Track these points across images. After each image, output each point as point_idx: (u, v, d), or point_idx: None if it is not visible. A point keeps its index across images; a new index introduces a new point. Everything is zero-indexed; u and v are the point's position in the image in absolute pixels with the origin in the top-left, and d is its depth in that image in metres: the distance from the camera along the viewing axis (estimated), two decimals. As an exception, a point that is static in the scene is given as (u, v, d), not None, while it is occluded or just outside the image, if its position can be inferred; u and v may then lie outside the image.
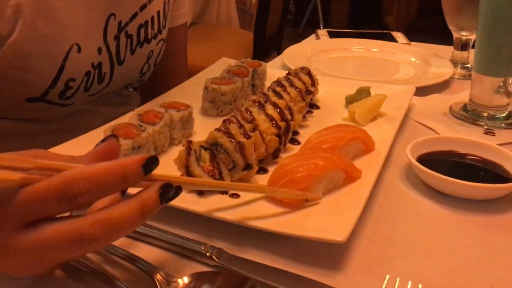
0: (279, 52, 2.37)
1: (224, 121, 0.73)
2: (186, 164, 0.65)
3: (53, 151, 0.50)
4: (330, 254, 0.57)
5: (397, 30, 1.58)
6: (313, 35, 1.55)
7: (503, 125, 0.92)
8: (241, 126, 0.71)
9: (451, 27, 1.16)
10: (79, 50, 0.82)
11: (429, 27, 3.73)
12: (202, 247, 0.56)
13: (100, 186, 0.42)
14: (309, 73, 0.95)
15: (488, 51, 0.90)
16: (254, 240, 0.58)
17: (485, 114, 0.93)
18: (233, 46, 2.47)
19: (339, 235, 0.54)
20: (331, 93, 0.99)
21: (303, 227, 0.58)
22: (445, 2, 1.14)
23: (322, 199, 0.64)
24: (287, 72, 0.96)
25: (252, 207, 0.62)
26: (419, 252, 0.58)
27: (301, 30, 4.93)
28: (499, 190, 0.68)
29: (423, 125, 0.92)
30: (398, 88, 0.99)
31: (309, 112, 0.92)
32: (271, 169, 0.70)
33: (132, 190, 0.46)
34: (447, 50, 1.25)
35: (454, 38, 1.18)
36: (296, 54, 1.26)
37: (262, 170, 0.72)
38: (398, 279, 0.53)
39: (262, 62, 1.03)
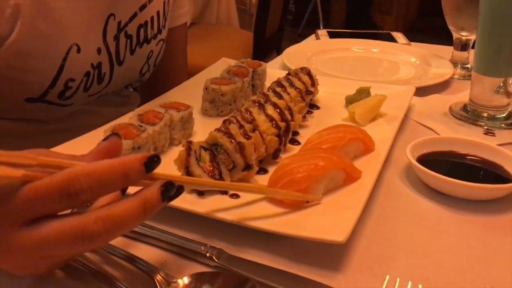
0: (279, 52, 2.37)
1: (224, 122, 0.73)
2: (186, 164, 0.65)
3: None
4: (330, 254, 0.57)
5: (397, 30, 1.58)
6: (313, 35, 1.55)
7: (503, 125, 0.92)
8: (241, 126, 0.71)
9: (451, 27, 1.16)
10: (78, 51, 0.82)
11: (429, 27, 3.73)
12: (202, 248, 0.56)
13: (102, 183, 0.42)
14: (309, 73, 0.95)
15: (488, 51, 0.90)
16: (254, 241, 0.58)
17: (485, 115, 0.93)
18: (233, 46, 2.47)
19: (339, 235, 0.54)
20: (331, 93, 0.99)
21: (303, 227, 0.58)
22: (445, 2, 1.14)
23: (322, 199, 0.64)
24: (287, 72, 0.96)
25: (252, 208, 0.62)
26: (419, 252, 0.58)
27: (301, 30, 4.93)
28: (499, 190, 0.68)
29: (423, 125, 0.92)
30: (398, 88, 0.99)
31: (309, 112, 0.92)
32: (271, 169, 0.70)
33: (132, 191, 0.46)
34: (447, 50, 1.25)
35: (454, 38, 1.18)
36: (296, 54, 1.26)
37: (262, 171, 0.72)
38: (398, 279, 0.53)
39: (262, 62, 1.03)
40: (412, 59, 1.27)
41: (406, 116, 0.92)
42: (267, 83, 0.99)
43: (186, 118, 0.80)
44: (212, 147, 0.69)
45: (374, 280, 0.54)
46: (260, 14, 2.48)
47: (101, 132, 0.73)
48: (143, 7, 0.93)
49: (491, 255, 0.59)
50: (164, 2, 0.99)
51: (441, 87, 1.10)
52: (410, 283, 0.53)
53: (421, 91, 1.04)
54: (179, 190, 0.45)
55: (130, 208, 0.43)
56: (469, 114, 0.95)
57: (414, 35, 1.62)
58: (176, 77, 1.15)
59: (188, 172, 0.65)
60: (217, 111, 0.90)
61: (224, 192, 0.65)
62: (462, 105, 0.98)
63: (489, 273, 0.56)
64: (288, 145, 0.79)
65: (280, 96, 0.83)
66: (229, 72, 0.95)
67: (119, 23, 0.89)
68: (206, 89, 0.90)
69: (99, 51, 0.87)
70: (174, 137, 0.78)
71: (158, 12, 0.97)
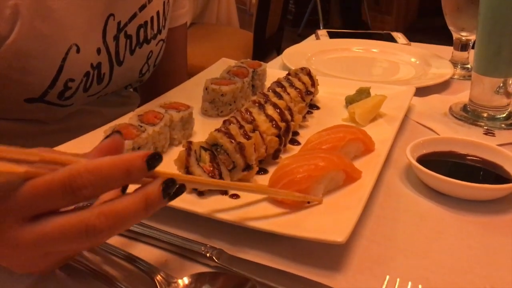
0: (279, 52, 2.37)
1: (224, 122, 0.74)
2: (186, 164, 0.65)
3: (53, 151, 0.50)
4: (330, 254, 0.57)
5: (397, 30, 1.58)
6: (313, 35, 1.55)
7: (503, 125, 0.92)
8: (241, 126, 0.71)
9: (451, 28, 1.16)
10: (78, 51, 0.82)
11: (429, 27, 3.73)
12: (202, 248, 0.56)
13: (104, 179, 0.42)
14: (309, 74, 0.95)
15: (488, 51, 0.90)
16: (254, 241, 0.58)
17: (485, 115, 0.93)
18: (233, 46, 2.47)
19: (339, 236, 0.54)
20: (331, 93, 0.99)
21: (303, 227, 0.58)
22: (445, 2, 1.14)
23: (322, 200, 0.64)
24: (287, 72, 0.96)
25: (252, 208, 0.62)
26: (419, 253, 0.59)
27: (301, 30, 4.93)
28: (499, 190, 0.68)
29: (423, 125, 0.92)
30: (398, 89, 0.99)
31: (309, 112, 0.92)
32: (271, 169, 0.70)
33: (133, 189, 0.46)
34: (447, 51, 1.25)
35: (454, 38, 1.18)
36: (296, 55, 1.26)
37: (262, 171, 0.72)
38: (398, 279, 0.53)
39: (262, 63, 1.03)
40: (412, 59, 1.27)
41: (406, 116, 0.92)
42: (267, 83, 0.99)
43: (186, 118, 0.80)
44: (212, 147, 0.69)
45: (374, 280, 0.54)
46: (260, 14, 2.48)
47: (101, 132, 0.73)
48: (142, 7, 0.93)
49: (491, 255, 0.59)
50: (164, 2, 0.99)
51: (441, 87, 1.10)
52: (410, 283, 0.53)
53: (421, 91, 1.04)
54: (181, 189, 0.45)
55: (132, 204, 0.43)
56: (469, 114, 0.95)
57: (414, 35, 1.62)
58: (176, 77, 1.15)
59: (188, 172, 0.65)
60: (217, 111, 0.90)
61: (224, 193, 0.65)
62: (462, 105, 0.98)
63: (489, 273, 0.56)
64: (288, 145, 0.79)
65: (280, 97, 0.83)
66: (229, 72, 0.95)
67: (119, 23, 0.89)
68: (206, 89, 0.90)
69: (98, 51, 0.87)
70: (174, 137, 0.78)
71: (158, 12, 0.97)
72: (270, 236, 0.57)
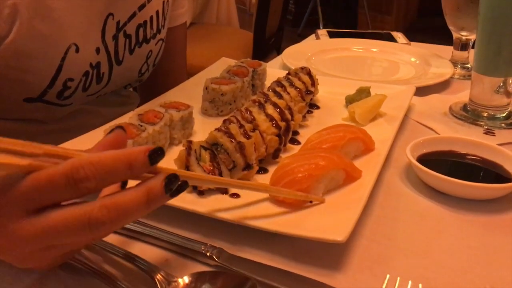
0: (279, 52, 2.37)
1: (224, 121, 0.73)
2: (186, 164, 0.65)
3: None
4: (330, 254, 0.57)
5: (397, 30, 1.58)
6: (313, 35, 1.55)
7: (503, 125, 0.92)
8: (241, 126, 0.71)
9: (451, 27, 1.16)
10: (77, 50, 0.82)
11: (429, 27, 3.73)
12: (203, 247, 0.56)
13: (107, 172, 0.43)
14: (309, 73, 0.95)
15: (488, 51, 0.90)
16: (254, 240, 0.58)
17: (485, 114, 0.93)
18: (233, 46, 2.47)
19: (339, 235, 0.54)
20: (331, 93, 0.99)
21: (303, 227, 0.58)
22: (445, 2, 1.14)
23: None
24: (287, 72, 0.96)
25: (252, 207, 0.62)
26: (419, 252, 0.58)
27: (301, 30, 4.93)
28: (499, 190, 0.68)
29: (423, 125, 0.92)
30: (398, 88, 0.99)
31: (309, 112, 0.92)
32: (271, 169, 0.70)
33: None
34: (447, 50, 1.25)
35: (454, 38, 1.18)
36: (296, 54, 1.26)
37: (262, 170, 0.72)
38: (398, 278, 0.53)
39: (262, 62, 1.03)
40: (412, 59, 1.27)
41: (406, 116, 0.92)
42: (267, 83, 0.99)
43: (186, 117, 0.80)
44: (212, 146, 0.69)
45: (374, 280, 0.54)
46: (260, 14, 2.48)
47: (101, 132, 0.73)
48: (142, 7, 0.93)
49: (491, 255, 0.59)
50: (163, 1, 0.99)
51: (441, 87, 1.10)
52: (410, 282, 0.53)
53: (421, 91, 1.04)
54: (183, 185, 0.45)
55: (134, 198, 0.43)
56: (469, 113, 0.95)
57: (414, 35, 1.62)
58: (175, 77, 1.15)
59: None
60: (217, 110, 0.90)
61: (224, 192, 0.65)
62: (462, 105, 0.98)
63: (489, 273, 0.56)
64: (288, 144, 0.79)
65: (280, 96, 0.83)
66: (229, 72, 0.95)
67: (118, 22, 0.89)
68: (206, 88, 0.90)
69: (98, 51, 0.87)
70: (174, 136, 0.78)
71: (157, 12, 0.97)
72: (270, 235, 0.57)
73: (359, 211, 0.59)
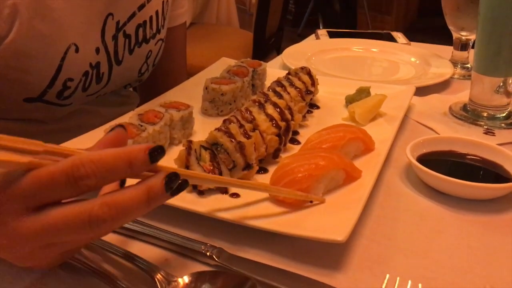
0: (279, 52, 2.37)
1: (224, 121, 0.74)
2: (186, 164, 0.65)
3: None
4: (330, 253, 0.57)
5: (397, 30, 1.58)
6: (313, 35, 1.55)
7: (503, 125, 0.92)
8: (241, 126, 0.71)
9: (451, 27, 1.16)
10: (76, 50, 0.82)
11: (429, 27, 3.74)
12: (203, 247, 0.56)
13: (107, 170, 0.43)
14: (309, 73, 0.95)
15: (488, 51, 0.90)
16: (254, 240, 0.58)
17: (485, 114, 0.93)
18: (233, 46, 2.47)
19: (339, 235, 0.54)
20: (331, 93, 0.99)
21: (303, 226, 0.58)
22: (445, 2, 1.14)
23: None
24: (287, 72, 0.96)
25: (252, 207, 0.62)
26: (419, 252, 0.58)
27: (301, 30, 4.93)
28: (499, 190, 0.68)
29: (423, 125, 0.92)
30: (398, 88, 0.99)
31: (309, 112, 0.92)
32: (271, 169, 0.70)
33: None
34: (447, 50, 1.25)
35: (454, 38, 1.18)
36: (296, 54, 1.26)
37: (262, 170, 0.72)
38: (398, 278, 0.53)
39: (262, 62, 1.03)
40: (412, 59, 1.27)
41: (406, 116, 0.92)
42: (267, 83, 0.99)
43: (186, 117, 0.80)
44: (212, 146, 0.69)
45: (374, 280, 0.54)
46: (260, 14, 2.48)
47: (101, 131, 0.73)
48: (141, 7, 0.93)
49: (491, 255, 0.59)
50: (163, 1, 0.99)
51: (441, 87, 1.10)
52: (410, 282, 0.53)
53: (421, 91, 1.04)
54: (184, 184, 0.45)
55: (134, 196, 0.43)
56: (469, 113, 0.95)
57: (414, 35, 1.62)
58: (175, 76, 1.15)
59: (188, 171, 0.65)
60: (217, 110, 0.90)
61: (224, 192, 0.65)
62: (462, 105, 0.98)
63: (489, 273, 0.56)
64: (288, 144, 0.79)
65: (280, 96, 0.83)
66: (229, 72, 0.95)
67: (118, 22, 0.89)
68: (206, 88, 0.90)
69: (97, 50, 0.87)
70: (174, 136, 0.78)
71: (157, 12, 0.97)
72: (270, 235, 0.57)
73: (359, 211, 0.59)
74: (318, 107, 0.95)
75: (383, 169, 0.73)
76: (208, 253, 0.55)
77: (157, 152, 0.44)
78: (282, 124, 0.76)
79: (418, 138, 0.76)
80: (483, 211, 0.66)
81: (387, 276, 0.54)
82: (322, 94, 0.98)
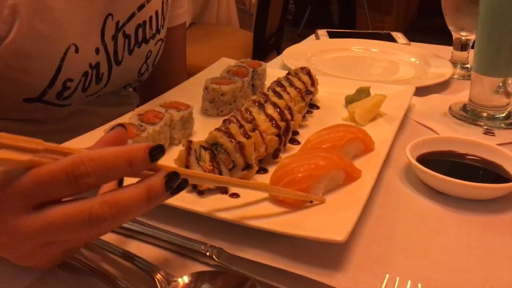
0: (279, 52, 2.37)
1: (224, 121, 0.74)
2: (186, 164, 0.65)
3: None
4: (330, 253, 0.57)
5: (397, 30, 1.58)
6: (313, 35, 1.55)
7: (502, 125, 0.92)
8: (241, 126, 0.71)
9: (450, 27, 1.16)
10: (76, 50, 0.82)
11: (428, 27, 3.74)
12: (202, 247, 0.56)
13: (107, 168, 0.43)
14: (309, 73, 0.95)
15: (487, 51, 0.90)
16: (254, 240, 0.58)
17: (485, 114, 0.93)
18: (233, 46, 2.47)
19: (338, 235, 0.54)
20: (331, 93, 0.99)
21: (302, 226, 0.58)
22: (445, 2, 1.14)
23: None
24: (287, 72, 0.96)
25: (252, 207, 0.62)
26: (418, 252, 0.59)
27: (301, 30, 4.93)
28: (498, 190, 0.68)
29: (423, 125, 0.92)
30: (397, 88, 0.99)
31: (309, 112, 0.92)
32: (271, 169, 0.70)
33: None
34: (446, 50, 1.25)
35: (453, 38, 1.18)
36: (296, 54, 1.26)
37: (262, 170, 0.72)
38: (397, 278, 0.53)
39: (262, 62, 1.03)
40: (412, 59, 1.27)
41: (405, 116, 0.92)
42: (267, 83, 0.99)
43: (186, 117, 0.80)
44: (212, 146, 0.69)
45: (374, 279, 0.54)
46: (260, 14, 2.48)
47: (101, 132, 0.73)
48: (141, 7, 0.93)
49: (491, 255, 0.59)
50: (163, 2, 0.99)
51: (441, 87, 1.10)
52: (409, 282, 0.53)
53: (421, 91, 1.04)
54: (184, 184, 0.45)
55: (134, 194, 0.43)
56: (469, 114, 0.95)
57: (414, 35, 1.62)
58: (175, 77, 1.15)
59: (188, 171, 0.65)
60: (217, 110, 0.90)
61: (224, 192, 0.65)
62: (461, 105, 0.98)
63: (489, 273, 0.56)
64: (288, 144, 0.79)
65: (280, 96, 0.83)
66: (229, 72, 0.95)
67: (117, 23, 0.89)
68: (206, 88, 0.90)
69: (97, 51, 0.87)
70: (174, 136, 0.78)
71: (156, 12, 0.97)
72: (270, 235, 0.57)
73: (359, 211, 0.59)
74: (318, 107, 0.95)
75: (383, 169, 0.73)
76: (208, 253, 0.55)
77: (157, 151, 0.44)
78: (282, 124, 0.76)
79: (417, 138, 0.76)
80: (483, 211, 0.66)
81: (387, 276, 0.54)
82: (322, 94, 0.98)
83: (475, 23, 0.91)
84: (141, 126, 0.72)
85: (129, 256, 0.54)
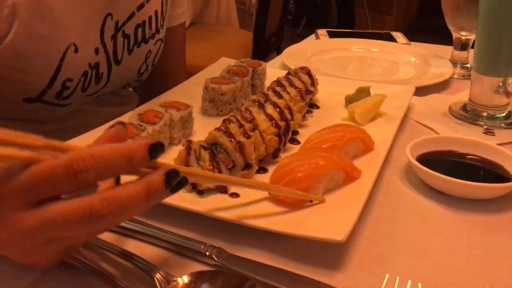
0: (279, 52, 2.37)
1: (224, 121, 0.73)
2: (186, 163, 0.65)
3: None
4: (330, 253, 0.57)
5: (397, 30, 1.58)
6: (313, 35, 1.55)
7: (502, 125, 0.92)
8: (241, 125, 0.71)
9: (450, 27, 1.16)
10: (76, 50, 0.82)
11: (429, 27, 3.74)
12: (202, 246, 0.55)
13: (106, 165, 0.43)
14: (308, 73, 0.95)
15: (487, 51, 0.90)
16: (253, 240, 0.58)
17: (485, 114, 0.93)
18: (233, 46, 2.47)
19: (338, 235, 0.54)
20: (330, 93, 0.99)
21: (302, 226, 0.58)
22: (445, 2, 1.14)
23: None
24: (287, 72, 0.96)
25: (252, 207, 0.62)
26: (418, 252, 0.58)
27: (301, 30, 4.93)
28: (498, 189, 0.68)
29: (423, 125, 0.92)
30: (397, 88, 0.99)
31: (308, 112, 0.92)
32: (271, 168, 0.70)
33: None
34: (446, 50, 1.25)
35: (453, 38, 1.18)
36: (296, 54, 1.26)
37: (262, 170, 0.72)
38: (397, 278, 0.53)
39: (262, 62, 1.03)
40: (412, 59, 1.27)
41: (405, 116, 0.92)
42: (267, 83, 0.99)
43: (186, 117, 0.80)
44: (212, 146, 0.69)
45: (374, 279, 0.54)
46: (260, 14, 2.48)
47: (101, 131, 0.72)
48: (140, 7, 0.93)
49: (491, 255, 0.59)
50: (162, 1, 0.99)
51: (441, 86, 1.10)
52: (409, 282, 0.53)
53: (421, 91, 1.04)
54: (183, 182, 0.45)
55: (134, 191, 0.43)
56: (469, 113, 0.95)
57: (414, 35, 1.62)
58: (174, 76, 1.15)
59: (187, 171, 0.65)
60: (217, 110, 0.90)
61: (224, 191, 0.65)
62: (461, 105, 0.98)
63: (489, 273, 0.56)
64: (288, 144, 0.78)
65: (280, 96, 0.83)
66: (229, 72, 0.95)
67: (117, 22, 0.89)
68: (206, 88, 0.90)
69: (96, 51, 0.87)
70: (174, 136, 0.78)
71: (156, 12, 0.97)
72: (270, 235, 0.57)
73: (359, 211, 0.59)
74: (317, 107, 0.95)
75: (383, 169, 0.73)
76: (207, 253, 0.55)
77: (156, 148, 0.44)
78: (282, 124, 0.76)
79: (417, 138, 0.76)
80: (483, 211, 0.66)
81: (387, 276, 0.54)
82: (322, 94, 0.98)
83: (475, 23, 0.91)
84: (141, 126, 0.72)
85: (129, 256, 0.54)
